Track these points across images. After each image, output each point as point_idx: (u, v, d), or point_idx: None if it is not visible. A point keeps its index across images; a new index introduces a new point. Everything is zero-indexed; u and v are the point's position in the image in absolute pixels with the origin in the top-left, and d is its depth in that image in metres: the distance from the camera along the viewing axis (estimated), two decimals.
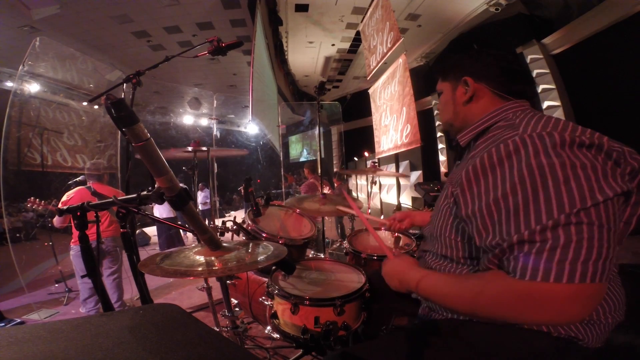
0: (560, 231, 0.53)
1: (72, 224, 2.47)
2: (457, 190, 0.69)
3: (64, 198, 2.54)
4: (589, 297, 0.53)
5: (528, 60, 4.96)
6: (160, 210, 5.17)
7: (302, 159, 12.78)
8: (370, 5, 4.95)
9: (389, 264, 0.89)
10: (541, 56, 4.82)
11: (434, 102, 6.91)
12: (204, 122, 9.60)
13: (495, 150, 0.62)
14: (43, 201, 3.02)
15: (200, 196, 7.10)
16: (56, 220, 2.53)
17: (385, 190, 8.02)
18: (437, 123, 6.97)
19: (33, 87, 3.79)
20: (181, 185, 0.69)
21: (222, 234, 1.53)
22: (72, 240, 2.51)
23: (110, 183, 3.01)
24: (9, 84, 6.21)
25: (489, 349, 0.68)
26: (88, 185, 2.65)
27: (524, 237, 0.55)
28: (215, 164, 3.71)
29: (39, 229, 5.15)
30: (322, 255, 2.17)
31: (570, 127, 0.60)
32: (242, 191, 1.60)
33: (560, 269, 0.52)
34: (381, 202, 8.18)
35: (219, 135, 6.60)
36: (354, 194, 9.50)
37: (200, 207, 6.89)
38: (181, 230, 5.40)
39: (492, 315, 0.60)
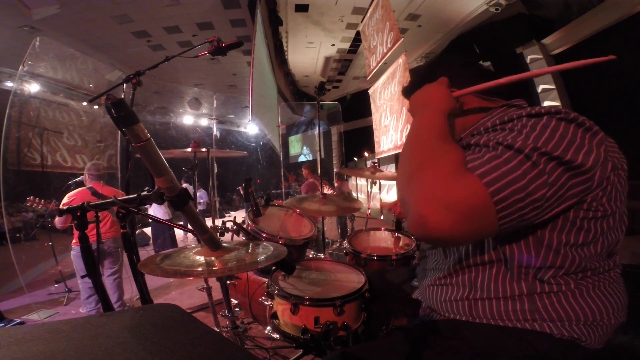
0: (507, 151, 0.56)
1: (74, 224, 2.48)
2: None
3: (65, 200, 2.54)
4: (483, 214, 0.54)
5: (528, 61, 4.97)
6: (156, 213, 5.15)
7: (301, 158, 12.85)
8: (370, 5, 4.95)
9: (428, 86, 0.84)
10: (541, 56, 4.83)
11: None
12: (204, 122, 9.61)
13: (499, 118, 0.66)
14: (42, 200, 3.02)
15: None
16: (57, 221, 2.53)
17: (385, 191, 8.03)
18: None
19: (33, 87, 3.79)
20: (185, 185, 0.69)
21: (222, 234, 1.54)
22: (74, 241, 2.51)
23: (110, 183, 3.01)
24: (9, 84, 6.21)
25: (490, 351, 0.68)
26: (89, 186, 2.65)
27: (483, 141, 0.60)
28: (216, 164, 3.71)
29: (39, 229, 5.15)
30: (322, 256, 2.17)
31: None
32: (242, 191, 1.62)
33: (487, 171, 0.55)
34: (381, 203, 8.17)
35: (219, 135, 6.59)
36: (354, 194, 9.50)
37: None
38: (176, 233, 5.40)
39: (414, 163, 0.62)
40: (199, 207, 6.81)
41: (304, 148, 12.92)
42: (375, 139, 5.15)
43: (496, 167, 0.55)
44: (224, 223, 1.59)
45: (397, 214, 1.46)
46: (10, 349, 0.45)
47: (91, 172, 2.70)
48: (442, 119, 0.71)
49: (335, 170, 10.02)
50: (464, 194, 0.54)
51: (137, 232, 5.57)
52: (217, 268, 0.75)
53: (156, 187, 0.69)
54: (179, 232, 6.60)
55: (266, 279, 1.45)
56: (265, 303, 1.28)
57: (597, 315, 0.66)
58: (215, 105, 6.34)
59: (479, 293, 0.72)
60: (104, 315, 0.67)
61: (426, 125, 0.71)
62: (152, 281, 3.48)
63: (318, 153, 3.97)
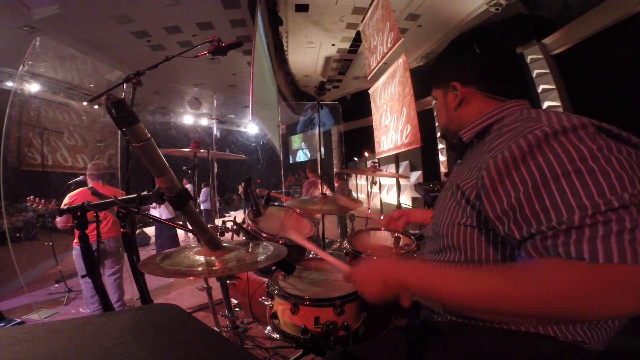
0: (626, 212, 0.48)
1: (74, 224, 2.48)
2: (483, 188, 0.63)
3: (66, 200, 2.54)
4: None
5: (528, 61, 4.96)
6: (160, 211, 5.16)
7: (299, 154, 13.04)
8: (370, 6, 4.95)
9: (366, 263, 0.72)
10: (541, 56, 4.82)
11: (434, 102, 6.91)
12: (204, 122, 9.61)
13: (525, 140, 0.58)
14: (42, 200, 3.03)
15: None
16: (59, 221, 2.54)
17: (385, 191, 8.03)
18: (437, 123, 6.97)
19: (33, 87, 3.79)
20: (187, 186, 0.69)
21: (222, 234, 1.54)
22: (75, 241, 2.51)
23: (110, 183, 3.01)
24: (9, 84, 6.21)
25: (491, 353, 0.67)
26: (90, 186, 2.66)
27: (587, 220, 0.49)
28: (216, 164, 3.71)
29: (39, 229, 5.15)
30: None
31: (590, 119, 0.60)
32: (241, 191, 1.61)
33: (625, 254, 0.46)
34: (381, 202, 8.18)
35: (219, 135, 6.60)
36: (354, 194, 9.50)
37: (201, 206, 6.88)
38: (177, 232, 5.40)
39: (555, 310, 0.49)
40: (204, 207, 6.81)
41: (303, 144, 13.10)
42: (376, 139, 5.15)
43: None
44: (224, 223, 1.59)
45: (392, 228, 1.45)
46: (10, 349, 0.45)
47: (92, 172, 2.71)
48: (448, 271, 0.62)
49: (335, 170, 10.02)
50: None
51: (137, 232, 5.58)
52: (217, 268, 0.75)
53: (156, 187, 0.69)
54: (179, 233, 6.60)
55: (266, 279, 1.45)
56: (265, 303, 1.28)
57: None
58: (215, 105, 6.33)
59: None
60: (104, 315, 0.67)
61: (472, 293, 0.55)
62: (152, 281, 3.48)
63: (318, 153, 3.98)
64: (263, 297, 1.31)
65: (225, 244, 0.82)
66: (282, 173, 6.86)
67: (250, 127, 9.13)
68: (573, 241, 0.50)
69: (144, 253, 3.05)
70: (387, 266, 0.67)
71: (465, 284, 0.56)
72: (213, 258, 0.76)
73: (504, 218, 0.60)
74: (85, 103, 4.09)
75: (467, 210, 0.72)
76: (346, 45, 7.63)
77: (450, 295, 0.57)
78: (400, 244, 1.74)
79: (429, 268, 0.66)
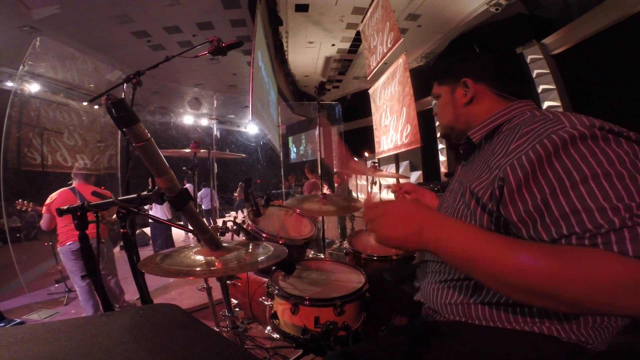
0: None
1: (57, 227, 2.43)
2: (506, 190, 0.61)
3: (48, 200, 2.54)
4: None
5: (528, 61, 4.96)
6: (158, 212, 5.15)
7: (290, 152, 13.08)
8: (370, 6, 4.95)
9: (407, 202, 0.66)
10: (541, 56, 4.83)
11: (434, 102, 6.92)
12: (204, 122, 9.60)
13: (550, 141, 0.56)
14: (31, 202, 3.01)
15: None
16: (43, 223, 2.51)
17: (386, 191, 8.03)
18: (437, 123, 6.97)
19: (33, 87, 3.78)
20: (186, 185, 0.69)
21: (223, 234, 1.53)
22: (59, 242, 2.49)
23: (110, 183, 3.00)
24: (9, 84, 6.21)
25: (493, 353, 0.67)
26: (72, 186, 2.65)
27: (627, 222, 0.48)
28: (216, 164, 3.71)
29: (39, 229, 5.14)
30: (322, 256, 2.17)
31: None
32: (237, 195, 1.60)
33: None
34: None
35: (219, 135, 6.59)
36: (354, 194, 9.49)
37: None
38: (176, 234, 5.38)
39: (598, 300, 0.47)
40: (204, 207, 6.81)
41: (293, 146, 13.19)
42: (376, 139, 5.16)
43: None
44: (224, 223, 1.58)
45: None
46: (10, 349, 0.45)
47: (76, 171, 2.73)
48: (487, 234, 0.58)
49: (335, 170, 10.01)
50: None
51: (138, 232, 5.58)
52: (217, 268, 0.75)
53: (156, 187, 0.69)
54: (179, 233, 6.60)
55: (266, 279, 1.45)
56: (265, 303, 1.28)
57: (605, 317, 0.65)
58: (215, 105, 6.32)
59: (483, 297, 0.72)
60: (104, 315, 0.67)
61: (512, 265, 0.52)
62: (152, 281, 3.48)
63: (318, 153, 3.98)
64: (263, 297, 1.31)
65: (225, 244, 0.82)
66: (282, 173, 6.85)
67: (250, 127, 9.13)
68: (614, 241, 0.49)
69: (143, 254, 3.05)
70: (430, 215, 0.61)
71: (509, 256, 0.53)
72: (213, 258, 0.76)
73: (528, 220, 0.58)
74: (85, 103, 4.09)
75: (476, 213, 0.70)
76: (346, 45, 7.64)
77: (491, 265, 0.54)
78: None
79: (472, 231, 0.60)
